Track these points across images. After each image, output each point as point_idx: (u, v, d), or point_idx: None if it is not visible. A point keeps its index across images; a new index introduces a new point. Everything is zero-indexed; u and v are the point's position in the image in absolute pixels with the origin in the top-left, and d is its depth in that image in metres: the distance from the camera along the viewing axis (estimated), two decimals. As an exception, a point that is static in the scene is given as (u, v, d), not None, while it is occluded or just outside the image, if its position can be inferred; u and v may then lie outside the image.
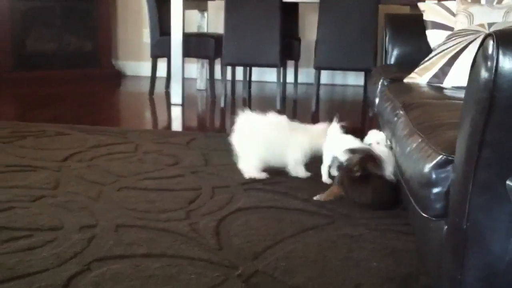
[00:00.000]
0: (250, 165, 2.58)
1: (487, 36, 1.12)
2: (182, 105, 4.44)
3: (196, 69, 5.41)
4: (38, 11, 5.22)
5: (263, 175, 2.56)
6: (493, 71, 1.09)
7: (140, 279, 1.60)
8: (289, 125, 2.63)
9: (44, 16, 5.27)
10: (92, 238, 1.85)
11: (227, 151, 2.75)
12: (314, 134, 2.60)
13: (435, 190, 1.31)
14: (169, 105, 4.47)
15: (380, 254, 1.82)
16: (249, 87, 5.22)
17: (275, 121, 2.61)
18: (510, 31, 1.11)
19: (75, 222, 1.98)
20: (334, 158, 2.48)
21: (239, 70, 5.23)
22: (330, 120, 2.55)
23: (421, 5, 3.10)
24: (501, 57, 1.08)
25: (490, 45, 1.10)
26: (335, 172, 2.51)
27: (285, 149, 2.57)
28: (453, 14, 2.85)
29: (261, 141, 2.56)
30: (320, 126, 2.64)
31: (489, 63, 1.10)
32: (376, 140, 2.42)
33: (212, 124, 3.91)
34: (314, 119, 2.83)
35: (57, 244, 1.80)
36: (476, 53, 1.16)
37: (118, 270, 1.64)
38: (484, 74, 1.11)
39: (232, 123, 2.65)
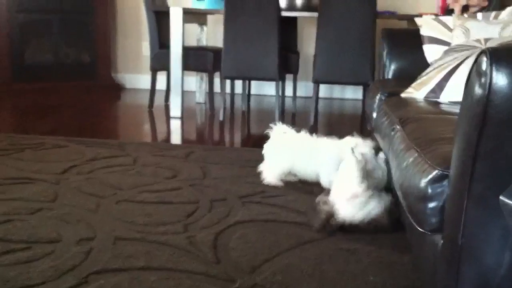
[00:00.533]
0: (271, 172, 2.68)
1: (481, 53, 1.14)
2: (181, 118, 4.46)
3: (195, 82, 5.43)
4: (37, 24, 5.25)
5: (279, 183, 2.66)
6: (487, 87, 1.11)
7: (137, 292, 1.60)
8: (317, 138, 2.74)
9: (42, 28, 5.30)
10: (90, 251, 1.86)
11: (225, 164, 2.76)
12: (343, 147, 2.61)
13: (431, 204, 1.32)
14: (168, 118, 4.49)
15: (376, 267, 1.82)
16: (248, 101, 5.24)
17: (304, 134, 2.74)
18: (503, 48, 1.13)
19: (73, 234, 1.99)
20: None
21: (238, 84, 5.25)
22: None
23: (418, 20, 3.13)
24: (494, 73, 1.10)
25: (484, 61, 1.12)
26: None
27: (315, 161, 2.63)
28: (450, 29, 2.87)
29: (290, 152, 2.68)
30: (349, 140, 2.64)
31: (482, 79, 1.12)
32: (352, 145, 2.45)
33: (211, 137, 3.93)
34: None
35: (55, 257, 1.80)
36: (471, 69, 1.18)
37: (116, 282, 1.65)
38: (477, 90, 1.13)
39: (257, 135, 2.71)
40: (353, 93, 5.78)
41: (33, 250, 1.85)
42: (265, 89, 5.86)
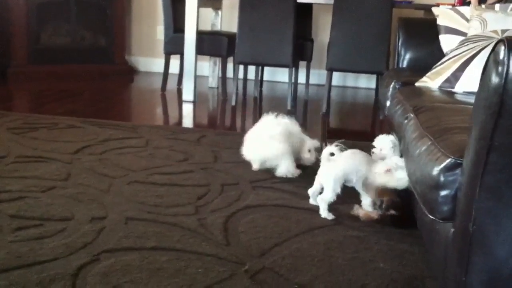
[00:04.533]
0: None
1: (498, 42, 1.14)
2: (194, 102, 4.46)
3: (208, 67, 5.43)
4: (54, 5, 5.25)
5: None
6: (504, 76, 1.10)
7: (148, 271, 1.62)
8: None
9: (59, 10, 5.30)
10: (101, 229, 1.88)
11: (237, 149, 2.77)
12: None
13: (443, 192, 1.32)
14: (180, 101, 4.50)
15: (386, 255, 1.83)
16: (261, 87, 5.24)
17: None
18: (522, 37, 1.12)
19: (86, 213, 2.01)
20: None
21: (251, 69, 5.24)
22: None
23: (435, 9, 3.10)
24: (512, 62, 1.09)
25: (502, 50, 1.11)
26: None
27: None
28: (467, 20, 2.85)
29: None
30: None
31: (499, 68, 1.11)
32: (381, 146, 2.40)
33: (222, 122, 3.93)
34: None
35: (67, 234, 1.82)
36: (488, 58, 1.17)
37: (126, 261, 1.67)
38: (494, 79, 1.12)
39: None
40: (366, 82, 5.75)
41: (45, 227, 1.87)
42: (278, 75, 5.85)
